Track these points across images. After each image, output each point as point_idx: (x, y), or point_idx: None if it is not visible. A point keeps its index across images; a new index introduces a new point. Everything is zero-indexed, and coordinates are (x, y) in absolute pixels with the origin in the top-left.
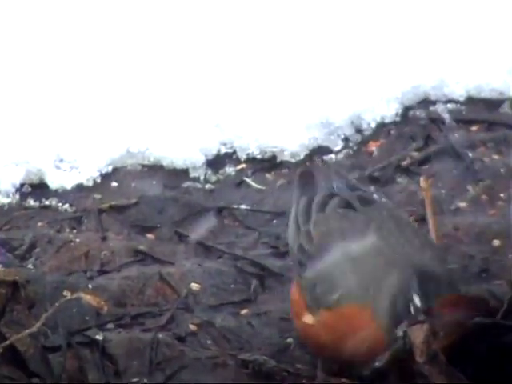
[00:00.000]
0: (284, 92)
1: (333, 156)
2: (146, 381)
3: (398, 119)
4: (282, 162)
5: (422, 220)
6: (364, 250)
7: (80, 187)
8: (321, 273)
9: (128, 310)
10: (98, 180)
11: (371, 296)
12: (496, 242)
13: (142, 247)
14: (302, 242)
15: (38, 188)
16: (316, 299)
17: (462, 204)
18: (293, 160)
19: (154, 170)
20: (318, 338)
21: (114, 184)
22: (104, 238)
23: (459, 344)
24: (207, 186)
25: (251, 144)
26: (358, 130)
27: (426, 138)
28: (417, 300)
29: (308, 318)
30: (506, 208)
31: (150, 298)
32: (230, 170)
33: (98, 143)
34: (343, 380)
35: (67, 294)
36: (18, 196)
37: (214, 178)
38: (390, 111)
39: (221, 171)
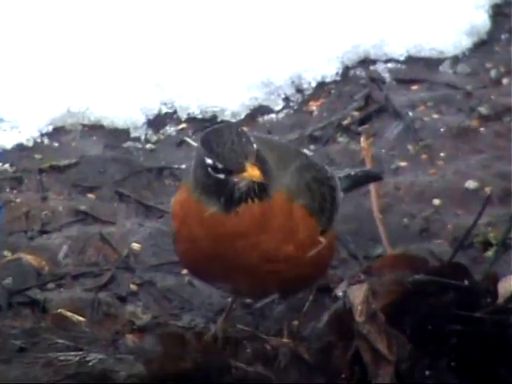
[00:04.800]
0: (225, 51)
1: (273, 116)
2: None
3: (338, 79)
4: (222, 122)
5: None
6: None
7: (20, 147)
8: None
9: (69, 269)
10: (39, 140)
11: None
12: (436, 201)
13: (82, 207)
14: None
15: None
16: None
17: (403, 163)
18: (233, 120)
19: (95, 129)
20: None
21: (55, 144)
22: (44, 198)
23: (398, 303)
24: (148, 146)
25: (192, 104)
26: (299, 90)
27: (366, 97)
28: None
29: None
30: (446, 167)
31: (91, 258)
32: (170, 129)
33: (38, 103)
34: (284, 340)
35: (8, 254)
36: None
37: (154, 138)
38: (330, 71)
39: (161, 131)
